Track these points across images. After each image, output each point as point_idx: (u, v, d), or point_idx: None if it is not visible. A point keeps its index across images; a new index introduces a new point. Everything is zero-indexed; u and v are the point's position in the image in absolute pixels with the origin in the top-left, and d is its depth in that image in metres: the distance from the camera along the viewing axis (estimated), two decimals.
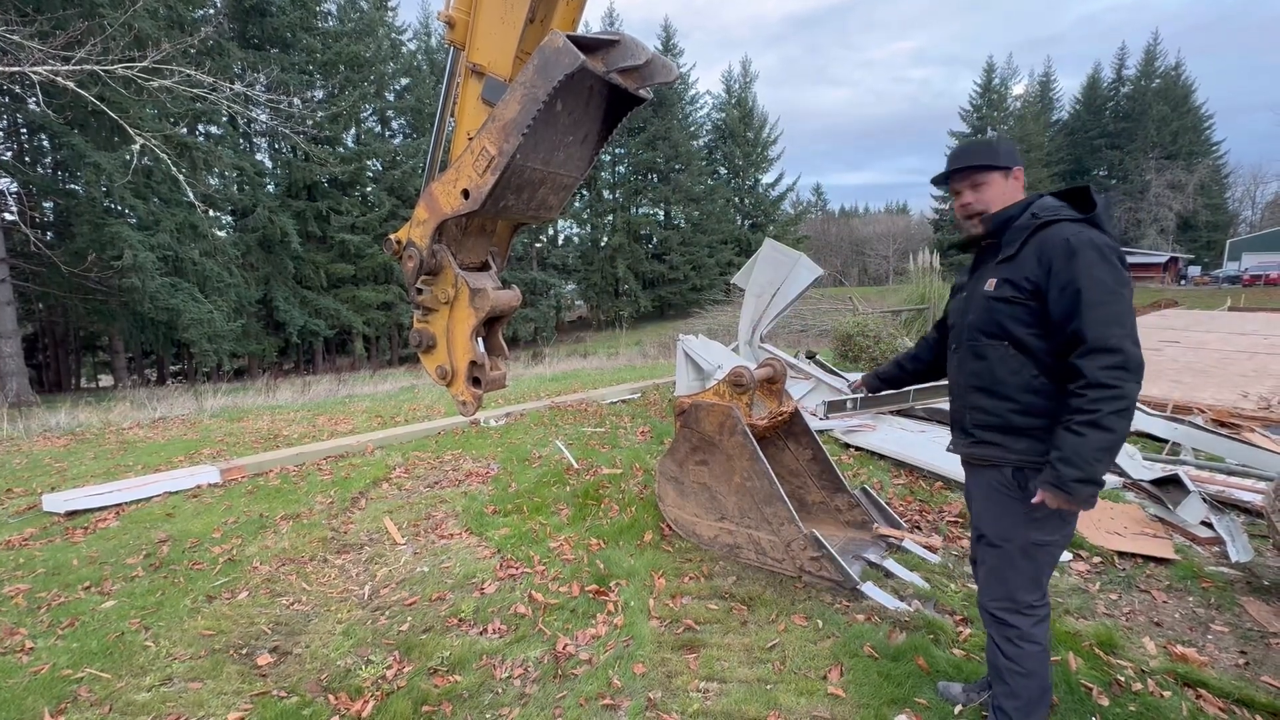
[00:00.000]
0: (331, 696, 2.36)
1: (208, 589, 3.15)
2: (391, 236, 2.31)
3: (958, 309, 2.03)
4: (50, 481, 4.95)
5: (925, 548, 3.35)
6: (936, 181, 2.04)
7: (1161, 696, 2.24)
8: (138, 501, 4.35)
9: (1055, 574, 3.12)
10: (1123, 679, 2.32)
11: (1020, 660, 1.81)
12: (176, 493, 4.52)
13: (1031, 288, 1.75)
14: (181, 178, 13.48)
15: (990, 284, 1.85)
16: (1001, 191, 1.92)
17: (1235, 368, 8.16)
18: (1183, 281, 44.99)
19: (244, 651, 2.65)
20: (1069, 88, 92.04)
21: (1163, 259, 46.30)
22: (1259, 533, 3.44)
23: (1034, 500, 1.73)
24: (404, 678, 2.45)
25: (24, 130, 21.10)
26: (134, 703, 2.33)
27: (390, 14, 32.72)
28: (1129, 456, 4.39)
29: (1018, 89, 55.36)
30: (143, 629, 2.80)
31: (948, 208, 56.75)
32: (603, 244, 42.94)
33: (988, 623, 1.91)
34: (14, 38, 10.37)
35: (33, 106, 12.76)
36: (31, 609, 2.99)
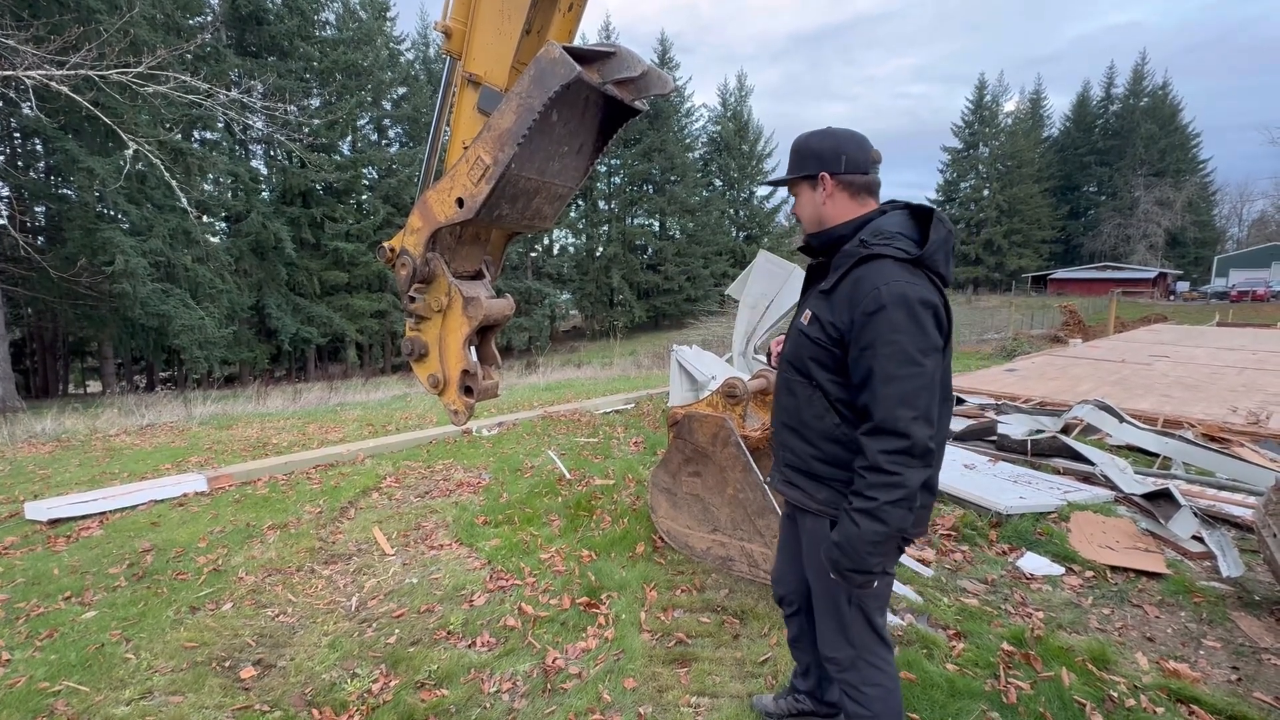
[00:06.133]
0: (316, 711, 2.31)
1: (191, 600, 3.10)
2: (385, 244, 2.30)
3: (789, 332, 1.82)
4: (33, 489, 4.88)
5: (918, 561, 3.34)
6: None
7: (1154, 713, 2.23)
8: (122, 510, 4.28)
9: (1048, 587, 3.12)
10: (1116, 695, 2.31)
11: (868, 705, 1.70)
12: (162, 501, 4.45)
13: (836, 335, 1.54)
14: (175, 183, 13.44)
15: (806, 316, 1.66)
16: (811, 204, 1.66)
17: (1224, 382, 8.24)
18: (1172, 297, 45.54)
19: (227, 664, 2.60)
20: (1060, 105, 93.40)
21: (1152, 274, 46.91)
22: (1249, 547, 3.45)
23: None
24: (390, 691, 2.41)
25: (17, 135, 21.00)
26: (112, 716, 2.28)
27: (388, 23, 32.90)
28: (1120, 470, 4.41)
29: (1009, 106, 56.23)
30: (123, 640, 2.75)
31: None
32: (598, 254, 43.06)
33: (831, 671, 1.78)
34: (9, 42, 10.34)
35: (26, 111, 12.71)
36: (10, 619, 2.93)
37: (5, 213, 15.93)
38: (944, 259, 1.52)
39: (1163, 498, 3.88)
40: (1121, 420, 5.49)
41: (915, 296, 1.44)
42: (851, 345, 1.51)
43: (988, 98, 53.79)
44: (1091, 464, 4.58)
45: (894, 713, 1.72)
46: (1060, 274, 50.34)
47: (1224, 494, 4.17)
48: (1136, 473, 4.50)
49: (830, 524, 1.64)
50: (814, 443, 1.67)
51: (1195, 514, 3.68)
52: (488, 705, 2.34)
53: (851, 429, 1.57)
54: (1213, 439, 5.36)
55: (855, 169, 1.61)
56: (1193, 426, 5.78)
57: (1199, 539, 3.55)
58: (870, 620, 1.70)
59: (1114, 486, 4.22)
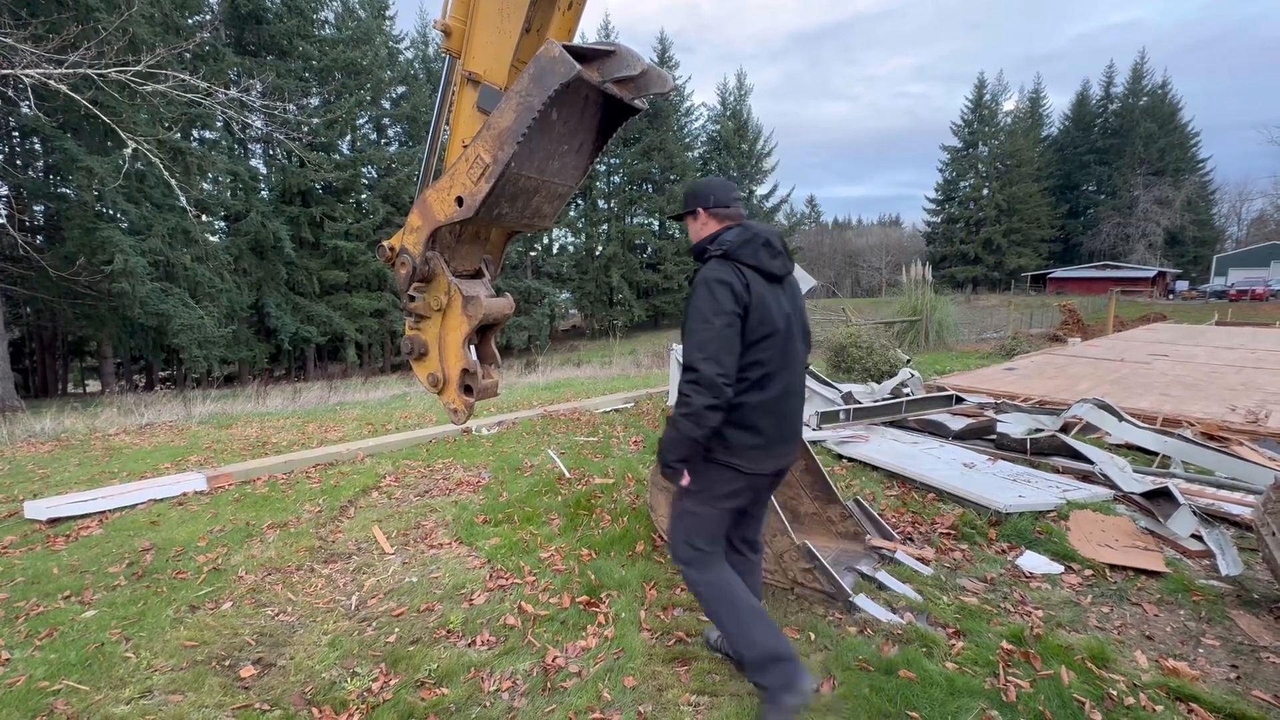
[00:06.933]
0: (315, 710, 2.31)
1: (191, 599, 3.10)
2: (385, 243, 2.30)
3: None
4: (33, 488, 4.88)
5: (918, 560, 3.34)
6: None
7: (1154, 711, 2.23)
8: (122, 509, 4.28)
9: (1047, 585, 3.12)
10: (1115, 693, 2.31)
11: (705, 599, 2.20)
12: (162, 500, 4.45)
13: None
14: (174, 182, 13.41)
15: None
16: (693, 229, 2.29)
17: (1223, 381, 8.24)
18: (1171, 296, 45.49)
19: (227, 663, 2.60)
20: (1060, 104, 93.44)
21: (1151, 273, 46.89)
22: (1248, 546, 3.46)
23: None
24: (390, 690, 2.41)
25: (15, 134, 20.98)
26: (112, 715, 2.28)
27: (387, 22, 32.85)
28: (1119, 469, 4.41)
29: (1008, 105, 56.22)
30: (123, 640, 2.75)
31: (940, 220, 57.36)
32: (597, 253, 43.03)
33: (683, 575, 2.30)
34: (7, 40, 10.32)
35: (25, 110, 12.68)
36: (9, 619, 2.93)
37: (4, 212, 15.91)
38: (751, 254, 2.05)
39: (1162, 496, 3.88)
40: (1120, 419, 5.50)
41: (713, 277, 2.00)
42: None
43: (987, 97, 53.79)
44: (1090, 462, 4.58)
45: (727, 600, 2.15)
46: (1059, 273, 50.32)
47: (1223, 492, 4.17)
48: (1135, 471, 4.50)
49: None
50: None
51: (1194, 512, 3.69)
52: (488, 704, 2.35)
53: None
54: (1212, 438, 5.37)
55: (720, 204, 2.22)
56: (1192, 425, 5.79)
57: (1198, 537, 3.56)
58: (698, 528, 2.21)
59: (1113, 485, 4.22)
